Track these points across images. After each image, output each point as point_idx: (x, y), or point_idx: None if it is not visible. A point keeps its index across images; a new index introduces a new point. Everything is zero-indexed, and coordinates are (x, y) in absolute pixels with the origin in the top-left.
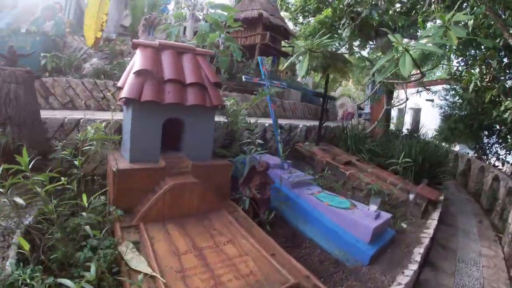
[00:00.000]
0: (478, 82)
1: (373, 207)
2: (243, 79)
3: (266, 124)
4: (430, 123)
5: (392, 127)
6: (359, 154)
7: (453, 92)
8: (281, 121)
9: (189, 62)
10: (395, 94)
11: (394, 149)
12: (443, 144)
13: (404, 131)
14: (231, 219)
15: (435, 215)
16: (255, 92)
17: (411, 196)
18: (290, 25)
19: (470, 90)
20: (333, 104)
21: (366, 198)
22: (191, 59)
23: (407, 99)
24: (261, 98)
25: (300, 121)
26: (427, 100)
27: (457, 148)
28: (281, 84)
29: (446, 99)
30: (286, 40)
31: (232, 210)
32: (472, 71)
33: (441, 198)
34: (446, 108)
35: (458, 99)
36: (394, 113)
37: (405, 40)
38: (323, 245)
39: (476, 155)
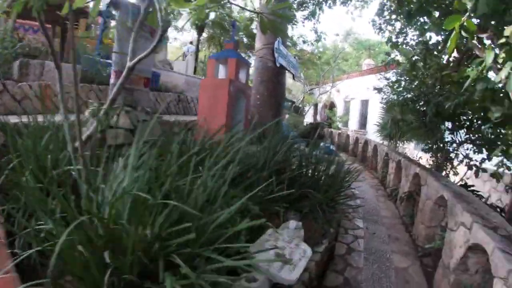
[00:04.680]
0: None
1: None
2: None
3: None
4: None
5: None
6: None
7: (396, 64)
8: None
9: None
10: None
11: None
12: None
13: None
14: None
15: None
16: None
17: None
18: None
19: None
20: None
21: None
22: None
23: None
24: None
25: None
26: (374, 88)
27: (411, 147)
28: None
29: (387, 79)
30: None
31: None
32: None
33: None
34: (389, 92)
35: (402, 76)
36: (340, 106)
37: None
38: None
39: (432, 160)
